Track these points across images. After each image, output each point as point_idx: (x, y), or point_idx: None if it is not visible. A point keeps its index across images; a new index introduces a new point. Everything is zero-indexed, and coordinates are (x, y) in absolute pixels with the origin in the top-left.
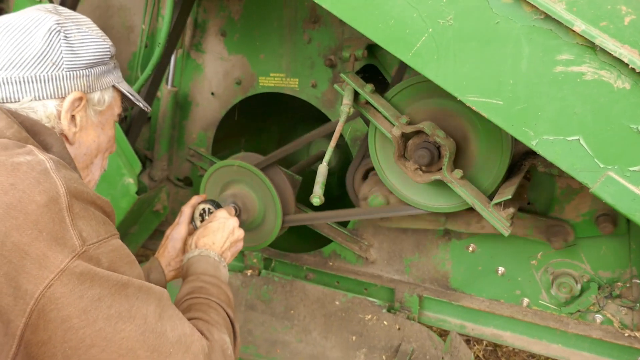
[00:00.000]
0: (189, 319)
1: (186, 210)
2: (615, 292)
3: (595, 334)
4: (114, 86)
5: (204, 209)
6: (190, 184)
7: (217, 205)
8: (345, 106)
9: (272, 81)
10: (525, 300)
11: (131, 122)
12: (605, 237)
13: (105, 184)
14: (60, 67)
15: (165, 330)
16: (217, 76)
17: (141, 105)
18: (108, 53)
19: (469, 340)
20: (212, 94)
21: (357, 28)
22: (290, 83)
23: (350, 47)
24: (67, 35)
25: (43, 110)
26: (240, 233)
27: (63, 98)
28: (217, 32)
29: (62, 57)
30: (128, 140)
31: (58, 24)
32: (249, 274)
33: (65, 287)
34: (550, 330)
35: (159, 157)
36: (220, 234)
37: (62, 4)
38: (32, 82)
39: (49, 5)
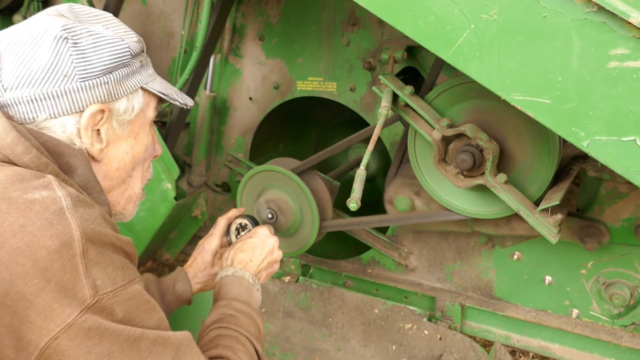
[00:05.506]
0: (215, 358)
1: (221, 222)
2: None
3: None
4: (142, 88)
5: (240, 224)
6: (228, 190)
7: (255, 222)
8: (384, 109)
9: (310, 85)
10: (575, 311)
11: (170, 128)
12: None
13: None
14: (72, 79)
15: None
16: (255, 81)
17: (178, 102)
18: (127, 53)
19: (514, 352)
20: (250, 98)
21: (395, 25)
22: (328, 87)
23: (389, 49)
24: (77, 42)
25: (61, 129)
26: (279, 254)
27: (82, 112)
28: (255, 37)
29: (74, 66)
30: (167, 146)
31: (64, 29)
32: (286, 280)
33: (71, 341)
34: (603, 343)
35: (197, 162)
36: (259, 252)
37: (105, 9)
38: (44, 99)
39: (63, 6)
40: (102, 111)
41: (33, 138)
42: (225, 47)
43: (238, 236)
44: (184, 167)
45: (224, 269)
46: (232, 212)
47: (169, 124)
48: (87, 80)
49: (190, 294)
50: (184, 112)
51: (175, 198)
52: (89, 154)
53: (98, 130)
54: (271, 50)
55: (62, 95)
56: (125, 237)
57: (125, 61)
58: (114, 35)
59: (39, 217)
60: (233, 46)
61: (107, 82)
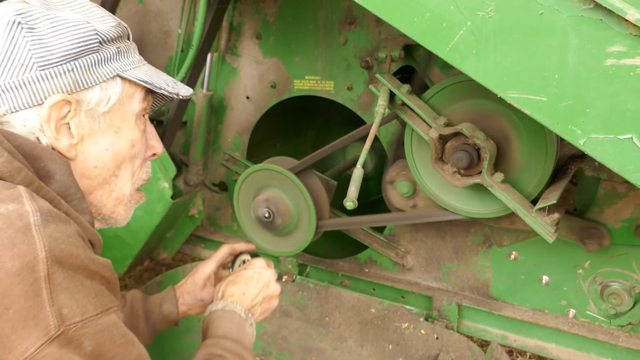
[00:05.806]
0: None
1: (223, 249)
2: None
3: None
4: (120, 76)
5: (244, 261)
6: (225, 189)
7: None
8: (380, 107)
9: (307, 84)
10: (572, 311)
11: (166, 127)
12: None
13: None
14: (31, 68)
15: None
16: (252, 80)
17: (165, 92)
18: (94, 36)
19: (511, 352)
20: (247, 97)
21: (391, 22)
22: (325, 86)
23: (386, 48)
24: (33, 27)
25: (22, 124)
26: (276, 288)
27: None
28: (252, 35)
29: (31, 54)
30: (163, 145)
31: (19, 14)
32: (283, 279)
33: None
34: (599, 343)
35: (194, 161)
36: (253, 285)
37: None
38: (2, 92)
39: None
40: (68, 102)
41: (6, 141)
42: (222, 45)
43: None
44: (181, 166)
45: (214, 302)
46: (240, 245)
47: (166, 122)
48: (48, 68)
49: (177, 315)
50: (180, 110)
51: (172, 197)
52: (53, 149)
53: (68, 124)
54: (268, 49)
55: (20, 87)
56: (103, 260)
57: (92, 46)
58: (80, 18)
59: (1, 235)
60: (230, 45)
61: (73, 70)
